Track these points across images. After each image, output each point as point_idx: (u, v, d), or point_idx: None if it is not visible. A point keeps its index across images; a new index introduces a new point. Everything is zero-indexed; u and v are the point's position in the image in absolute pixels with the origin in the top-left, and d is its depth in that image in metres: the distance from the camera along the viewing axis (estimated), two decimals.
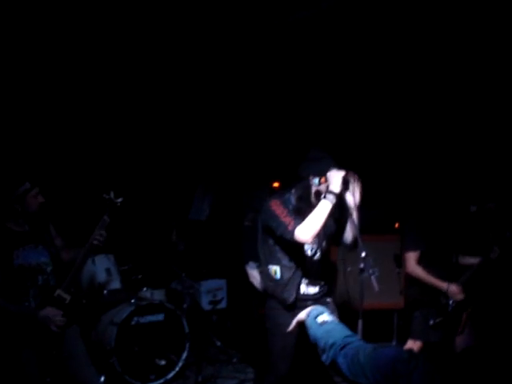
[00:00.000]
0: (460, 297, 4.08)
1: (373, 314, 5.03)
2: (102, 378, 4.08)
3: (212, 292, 6.24)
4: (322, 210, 3.23)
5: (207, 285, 6.28)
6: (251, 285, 4.58)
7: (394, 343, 5.88)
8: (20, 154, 5.40)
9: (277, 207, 3.40)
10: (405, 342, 4.29)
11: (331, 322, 2.03)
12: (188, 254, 6.55)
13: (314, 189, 3.43)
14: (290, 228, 3.27)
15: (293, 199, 3.48)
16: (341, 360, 1.85)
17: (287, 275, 3.48)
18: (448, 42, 5.03)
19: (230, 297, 6.46)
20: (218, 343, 6.02)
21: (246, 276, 4.73)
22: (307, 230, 3.23)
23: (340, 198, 3.27)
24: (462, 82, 5.58)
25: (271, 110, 6.44)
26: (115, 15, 4.61)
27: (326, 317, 2.07)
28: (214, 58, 5.38)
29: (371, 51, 5.32)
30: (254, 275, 4.33)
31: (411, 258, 4.24)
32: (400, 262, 4.73)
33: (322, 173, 3.33)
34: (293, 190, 3.49)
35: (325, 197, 3.25)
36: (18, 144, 5.49)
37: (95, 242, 3.43)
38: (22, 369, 3.26)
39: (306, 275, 3.53)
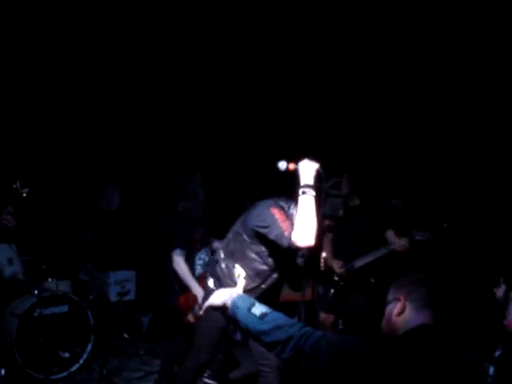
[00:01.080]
0: (339, 271, 4.69)
1: (283, 305, 5.18)
2: (3, 371, 3.93)
3: (120, 283, 6.16)
4: (306, 207, 2.94)
5: (115, 276, 6.19)
6: (165, 275, 4.53)
7: None
8: None
9: (276, 211, 3.17)
10: None
11: (270, 313, 1.98)
12: (96, 243, 6.43)
13: None
14: (286, 234, 3.02)
15: (293, 209, 3.22)
16: (308, 351, 1.82)
17: (248, 285, 3.31)
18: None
19: (139, 288, 6.40)
20: (125, 335, 5.96)
21: (158, 267, 4.69)
22: (304, 233, 2.93)
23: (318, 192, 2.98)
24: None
25: (187, 100, 6.41)
26: None
27: (260, 308, 2.01)
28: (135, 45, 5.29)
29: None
30: (179, 262, 4.27)
31: (324, 241, 4.72)
32: None
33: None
34: (293, 204, 3.22)
35: (304, 193, 2.96)
36: None
37: (4, 222, 3.34)
38: None
39: (264, 294, 3.39)
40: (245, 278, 3.32)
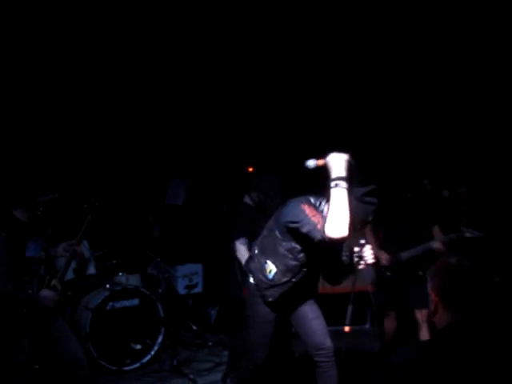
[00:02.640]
0: (386, 263, 4.60)
1: (328, 297, 5.15)
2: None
3: (188, 276, 6.28)
4: (339, 199, 2.91)
5: (183, 269, 6.31)
6: (229, 268, 4.58)
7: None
8: None
9: (307, 207, 3.16)
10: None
11: None
12: (164, 238, 6.57)
13: None
14: (319, 227, 2.99)
15: (324, 205, 3.23)
16: None
17: (279, 280, 3.40)
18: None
19: (206, 281, 6.50)
20: (194, 327, 6.08)
21: (223, 260, 4.74)
22: (337, 225, 2.89)
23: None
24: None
25: (244, 97, 6.44)
26: None
27: None
28: (178, 41, 5.35)
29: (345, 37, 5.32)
30: (240, 250, 4.33)
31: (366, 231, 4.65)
32: None
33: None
34: (324, 200, 3.24)
35: (336, 185, 2.93)
36: None
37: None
38: (12, 357, 3.31)
39: (295, 287, 3.45)
40: (276, 273, 3.38)
